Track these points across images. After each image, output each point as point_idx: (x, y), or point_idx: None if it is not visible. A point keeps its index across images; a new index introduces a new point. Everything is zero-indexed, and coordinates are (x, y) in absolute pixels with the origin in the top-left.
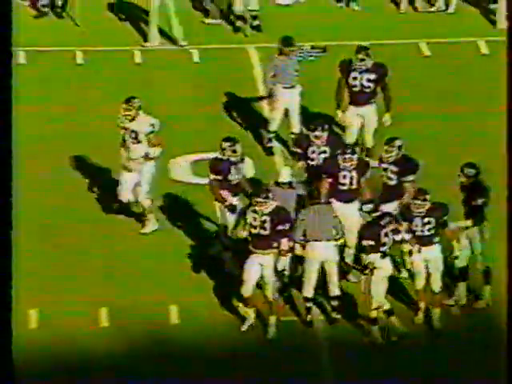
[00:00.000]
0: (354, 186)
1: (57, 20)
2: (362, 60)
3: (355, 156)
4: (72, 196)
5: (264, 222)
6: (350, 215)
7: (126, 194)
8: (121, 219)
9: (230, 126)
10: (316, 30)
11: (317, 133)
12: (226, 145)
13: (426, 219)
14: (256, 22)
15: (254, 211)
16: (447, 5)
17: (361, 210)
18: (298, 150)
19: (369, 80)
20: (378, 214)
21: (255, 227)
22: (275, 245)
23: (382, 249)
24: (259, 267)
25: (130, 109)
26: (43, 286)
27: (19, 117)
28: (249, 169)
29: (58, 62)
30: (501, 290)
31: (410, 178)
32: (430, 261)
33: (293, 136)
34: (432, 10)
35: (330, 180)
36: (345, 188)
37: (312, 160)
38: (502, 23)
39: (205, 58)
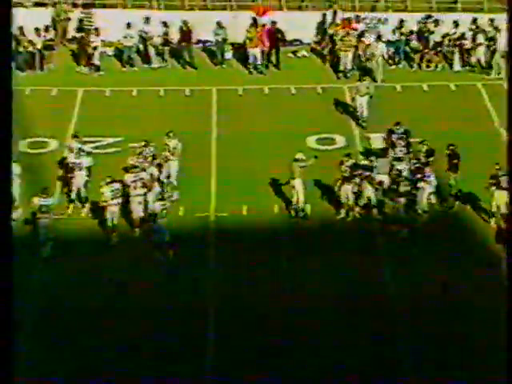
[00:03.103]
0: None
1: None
2: (398, 128)
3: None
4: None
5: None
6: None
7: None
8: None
9: (336, 115)
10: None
11: (399, 141)
12: (365, 158)
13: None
14: (348, 74)
15: (342, 164)
16: (436, 66)
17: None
18: (387, 146)
19: (401, 138)
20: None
21: (344, 172)
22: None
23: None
24: (345, 192)
25: (170, 136)
26: (221, 193)
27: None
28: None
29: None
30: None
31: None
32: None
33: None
34: (429, 69)
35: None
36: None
37: (395, 152)
38: (457, 67)
39: (325, 91)
